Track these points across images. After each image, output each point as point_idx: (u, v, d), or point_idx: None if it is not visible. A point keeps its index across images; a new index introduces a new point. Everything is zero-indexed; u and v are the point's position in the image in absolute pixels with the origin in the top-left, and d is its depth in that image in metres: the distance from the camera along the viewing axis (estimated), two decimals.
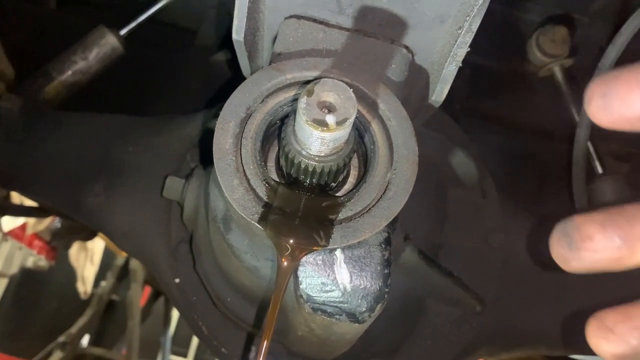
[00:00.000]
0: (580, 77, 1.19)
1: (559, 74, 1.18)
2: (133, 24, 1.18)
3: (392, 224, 0.63)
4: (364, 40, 0.61)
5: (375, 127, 0.56)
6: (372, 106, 0.57)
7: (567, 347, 0.91)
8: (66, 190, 0.94)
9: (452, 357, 0.87)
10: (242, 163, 0.53)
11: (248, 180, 0.53)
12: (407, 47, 0.61)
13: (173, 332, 2.93)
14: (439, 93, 0.63)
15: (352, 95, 0.48)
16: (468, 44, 0.55)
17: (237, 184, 0.52)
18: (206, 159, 0.85)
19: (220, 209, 0.63)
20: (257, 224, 0.51)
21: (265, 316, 0.61)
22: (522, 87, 1.25)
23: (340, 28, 0.61)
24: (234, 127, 0.54)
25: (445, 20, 0.56)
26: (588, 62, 1.07)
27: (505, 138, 1.25)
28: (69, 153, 0.95)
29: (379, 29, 0.61)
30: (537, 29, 1.17)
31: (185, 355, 3.11)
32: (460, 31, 0.54)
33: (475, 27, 0.54)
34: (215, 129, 0.54)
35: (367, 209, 0.53)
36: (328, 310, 0.55)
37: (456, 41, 0.55)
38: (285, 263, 0.52)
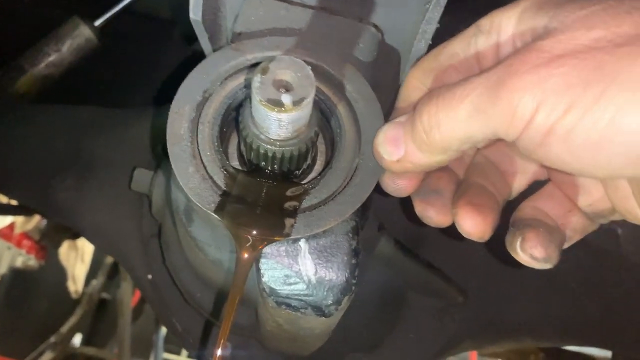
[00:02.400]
0: None
1: None
2: (108, 15, 1.15)
3: (363, 213, 0.60)
4: (329, 18, 0.58)
5: (341, 109, 0.53)
6: (339, 88, 0.54)
7: (552, 338, 0.89)
8: (36, 186, 0.91)
9: (436, 349, 0.85)
10: (198, 150, 0.50)
11: (205, 168, 0.50)
12: (375, 26, 0.58)
13: (166, 330, 2.90)
14: None
15: (310, 73, 0.45)
16: (437, 20, 0.52)
17: (192, 171, 0.49)
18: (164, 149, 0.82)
19: (181, 200, 0.60)
20: (214, 214, 0.48)
21: (223, 309, 0.58)
22: None
23: (304, 6, 0.58)
24: (189, 111, 0.51)
25: None
26: None
27: None
28: (38, 147, 0.92)
29: (346, 7, 0.57)
30: None
31: (178, 354, 3.08)
32: (428, 6, 0.51)
33: (443, 2, 0.51)
34: (169, 113, 0.51)
35: (333, 196, 0.50)
36: (293, 304, 0.52)
37: (424, 17, 0.52)
38: (246, 255, 0.49)
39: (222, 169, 0.50)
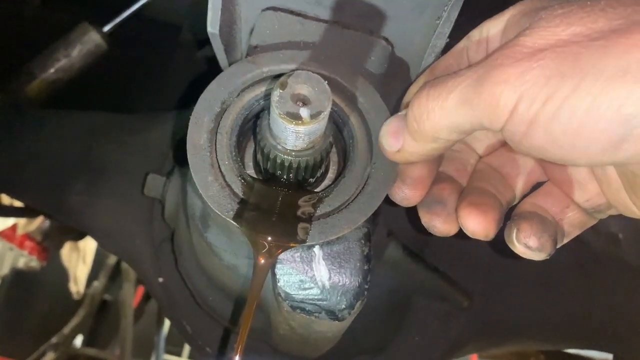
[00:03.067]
0: None
1: None
2: (117, 21, 1.16)
3: (373, 219, 0.62)
4: (342, 32, 0.59)
5: (354, 120, 0.55)
6: (351, 99, 0.56)
7: (555, 341, 0.91)
8: (47, 189, 0.93)
9: (441, 353, 0.86)
10: (217, 159, 0.52)
11: (223, 177, 0.52)
12: (386, 39, 0.60)
13: (167, 331, 2.91)
14: None
15: (327, 87, 0.47)
16: (447, 35, 0.54)
17: (211, 180, 0.51)
18: (184, 157, 0.84)
19: (197, 207, 0.62)
20: (232, 221, 0.50)
21: (242, 314, 0.59)
22: None
23: (318, 20, 0.60)
24: (208, 121, 0.53)
25: (424, 10, 0.55)
26: None
27: None
28: (50, 151, 0.93)
29: (358, 21, 0.59)
30: None
31: (179, 355, 3.10)
32: (438, 21, 0.53)
33: (453, 17, 0.53)
34: (189, 124, 0.52)
35: (346, 204, 0.52)
36: (307, 308, 0.54)
37: (435, 32, 0.54)
38: (262, 261, 0.50)
39: (239, 178, 0.52)
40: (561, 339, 0.90)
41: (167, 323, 2.91)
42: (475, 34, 0.50)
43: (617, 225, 0.96)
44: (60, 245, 2.70)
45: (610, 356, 1.08)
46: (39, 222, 2.52)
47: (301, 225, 0.51)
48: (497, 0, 0.52)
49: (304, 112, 0.46)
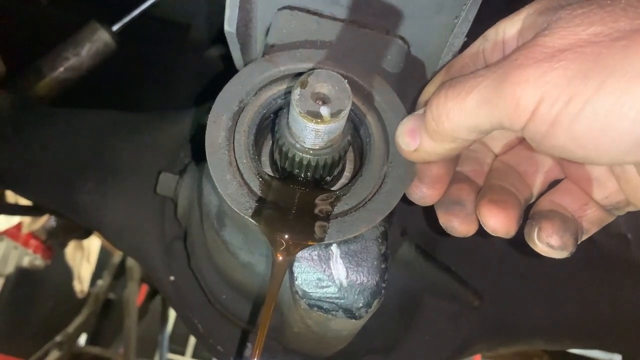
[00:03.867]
0: None
1: None
2: (126, 20, 1.17)
3: (389, 218, 0.62)
4: (358, 31, 0.60)
5: (370, 119, 0.55)
6: (368, 98, 0.56)
7: (564, 341, 0.91)
8: (58, 188, 0.93)
9: (450, 352, 0.86)
10: (235, 157, 0.52)
11: (241, 175, 0.52)
12: (402, 38, 0.60)
13: (170, 330, 2.91)
14: None
15: (347, 86, 0.47)
16: (465, 34, 0.54)
17: (230, 178, 0.51)
18: (199, 155, 0.84)
19: (213, 205, 0.62)
20: (250, 219, 0.50)
21: (261, 313, 0.60)
22: None
23: (334, 19, 0.60)
24: (226, 120, 0.53)
25: (442, 9, 0.55)
26: None
27: None
28: (60, 150, 0.93)
29: (374, 20, 0.59)
30: None
31: (183, 354, 3.10)
32: (456, 21, 0.53)
33: (472, 16, 0.53)
34: (207, 122, 0.52)
35: (363, 203, 0.52)
36: (324, 307, 0.54)
37: (452, 31, 0.54)
38: (280, 258, 0.50)
39: (257, 176, 0.52)
40: (570, 339, 0.90)
41: (170, 322, 2.91)
42: (491, 34, 0.50)
43: (626, 226, 0.96)
44: (64, 244, 2.70)
45: (615, 357, 1.08)
46: (44, 220, 2.52)
47: (319, 223, 0.51)
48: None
49: (324, 110, 0.46)
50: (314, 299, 0.54)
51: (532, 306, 0.90)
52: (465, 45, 0.55)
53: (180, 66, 1.22)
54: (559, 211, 0.51)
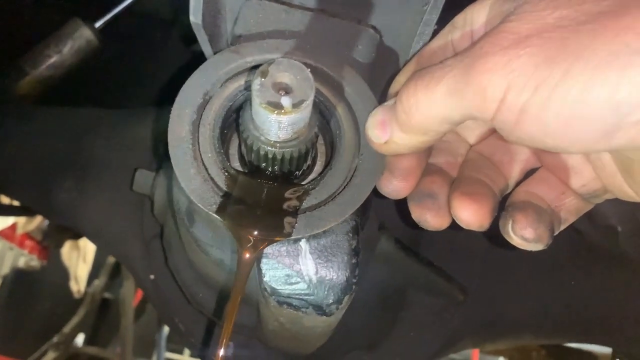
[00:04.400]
0: None
1: None
2: (108, 16, 1.15)
3: (364, 213, 0.61)
4: (328, 20, 0.58)
5: (340, 111, 0.54)
6: (338, 89, 0.54)
7: (552, 335, 0.89)
8: (36, 187, 0.92)
9: (436, 348, 0.85)
10: (199, 151, 0.51)
11: (207, 169, 0.50)
12: (374, 28, 0.59)
13: (168, 329, 2.91)
14: None
15: (310, 75, 0.45)
16: (434, 22, 0.52)
17: (194, 173, 0.50)
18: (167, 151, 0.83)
19: (183, 201, 0.61)
20: (215, 215, 0.49)
21: (225, 311, 0.58)
22: None
23: (304, 8, 0.58)
24: (190, 113, 0.52)
25: None
26: None
27: None
28: (39, 148, 0.92)
29: (344, 9, 0.58)
30: None
31: (181, 353, 3.09)
32: (425, 8, 0.52)
33: (440, 3, 0.51)
34: (171, 115, 0.51)
35: (333, 196, 0.51)
36: (294, 304, 0.52)
37: (422, 19, 0.52)
38: (247, 255, 0.49)
39: (223, 171, 0.51)
40: (558, 333, 0.89)
41: None
42: (460, 20, 0.48)
43: (615, 218, 0.95)
44: (60, 244, 2.69)
45: (609, 350, 1.06)
46: (39, 221, 2.51)
47: (287, 218, 0.49)
48: None
49: (285, 101, 0.45)
50: (283, 296, 0.52)
51: (519, 300, 0.88)
52: (435, 33, 0.53)
53: (164, 62, 1.20)
54: (533, 202, 0.50)
